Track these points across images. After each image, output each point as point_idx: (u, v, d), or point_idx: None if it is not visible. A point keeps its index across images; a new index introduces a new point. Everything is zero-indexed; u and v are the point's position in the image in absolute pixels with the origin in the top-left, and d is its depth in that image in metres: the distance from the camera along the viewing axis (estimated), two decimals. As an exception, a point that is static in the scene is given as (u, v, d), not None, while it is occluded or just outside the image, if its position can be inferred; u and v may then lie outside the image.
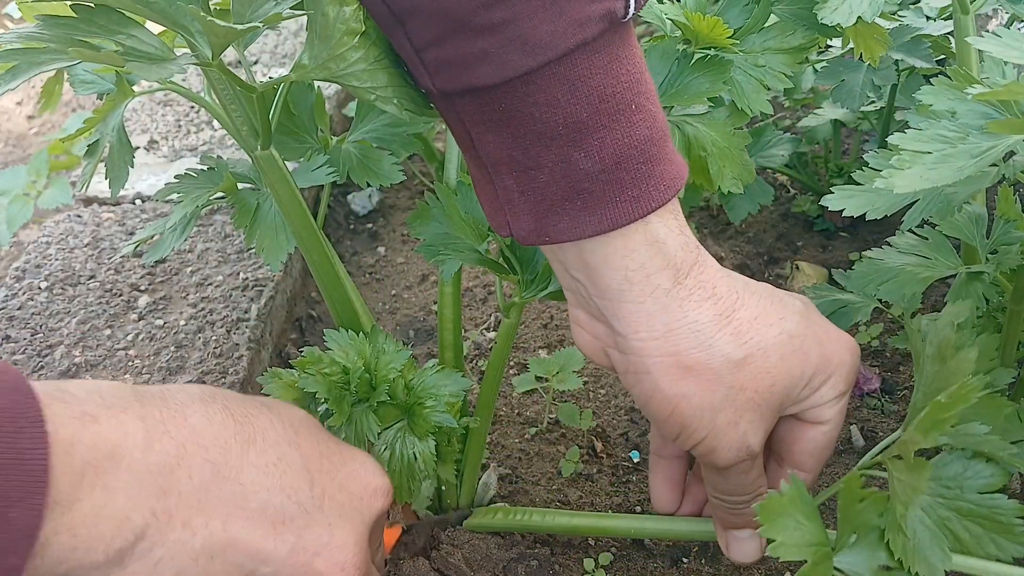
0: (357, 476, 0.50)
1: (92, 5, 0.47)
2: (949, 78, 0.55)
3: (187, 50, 0.52)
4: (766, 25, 0.66)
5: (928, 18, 0.88)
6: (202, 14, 0.43)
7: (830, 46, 1.00)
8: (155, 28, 0.52)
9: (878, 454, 0.52)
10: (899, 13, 0.88)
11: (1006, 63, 0.62)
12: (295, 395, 0.60)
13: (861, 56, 0.69)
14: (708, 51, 0.64)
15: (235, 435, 0.45)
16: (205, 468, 0.43)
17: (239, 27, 0.44)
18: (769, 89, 0.65)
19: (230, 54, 0.57)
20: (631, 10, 0.45)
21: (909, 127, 0.52)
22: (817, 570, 0.46)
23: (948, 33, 0.84)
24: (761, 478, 0.55)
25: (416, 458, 0.60)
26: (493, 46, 0.43)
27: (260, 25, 0.46)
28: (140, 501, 0.41)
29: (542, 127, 0.46)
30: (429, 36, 0.45)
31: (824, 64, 0.97)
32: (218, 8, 0.56)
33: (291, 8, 0.48)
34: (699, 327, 0.49)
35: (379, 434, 0.60)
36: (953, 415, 0.45)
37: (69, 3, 0.48)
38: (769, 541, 0.47)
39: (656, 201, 0.48)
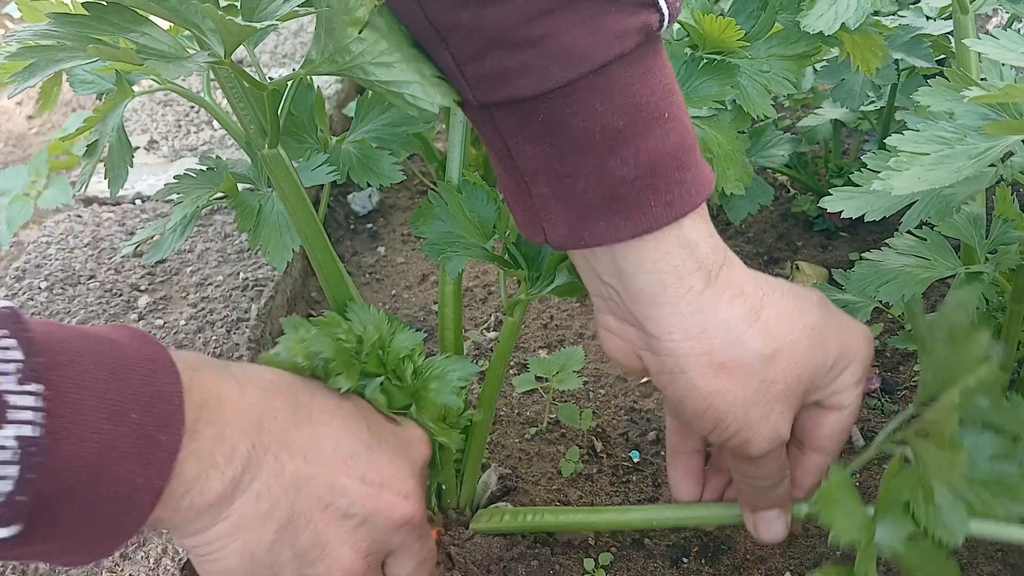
0: (403, 427, 0.57)
1: (104, 3, 0.47)
2: (947, 79, 0.55)
3: (196, 48, 0.52)
4: (771, 32, 0.67)
5: (928, 18, 0.88)
6: (218, 13, 0.43)
7: (830, 46, 1.00)
8: (163, 25, 0.52)
9: (896, 429, 0.54)
10: (899, 13, 0.88)
11: (1003, 64, 0.63)
12: (304, 352, 0.58)
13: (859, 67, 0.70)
14: (715, 56, 0.65)
15: (302, 388, 0.52)
16: (286, 411, 0.49)
17: (257, 25, 0.44)
18: (773, 95, 0.66)
19: (238, 52, 0.57)
20: (666, 23, 0.47)
21: (908, 128, 0.52)
22: (868, 550, 0.49)
23: (948, 33, 0.84)
24: (786, 461, 0.57)
25: (439, 447, 0.60)
26: (534, 59, 0.45)
27: (277, 23, 0.46)
28: (243, 435, 0.46)
29: (580, 136, 0.47)
30: (471, 51, 0.46)
31: (824, 64, 0.97)
32: (225, 6, 0.56)
33: (299, 7, 0.48)
34: (731, 325, 0.51)
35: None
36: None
37: (81, 1, 0.48)
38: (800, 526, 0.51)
39: (688, 205, 0.49)
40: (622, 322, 0.54)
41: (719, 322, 0.50)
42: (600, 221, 0.49)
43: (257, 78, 0.53)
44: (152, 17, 0.49)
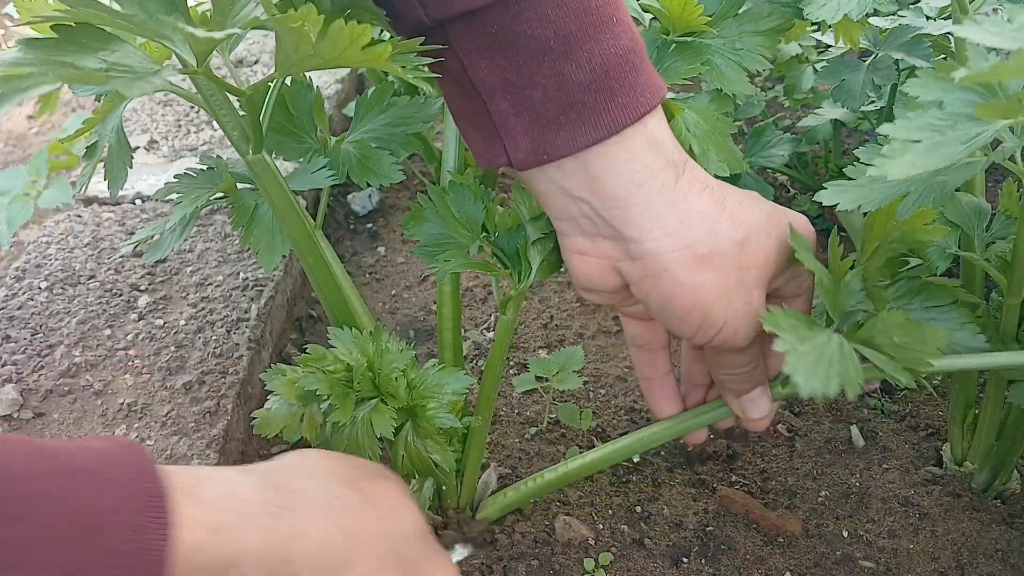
0: (393, 518, 0.51)
1: (73, 24, 0.47)
2: (935, 70, 0.56)
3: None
4: (741, 12, 0.68)
5: (928, 18, 0.88)
6: (180, 25, 0.43)
7: (829, 46, 1.00)
8: (142, 40, 0.53)
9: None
10: (899, 13, 0.88)
11: (990, 52, 0.63)
12: (297, 393, 0.59)
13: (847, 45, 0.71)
14: (686, 38, 0.67)
15: (345, 560, 0.46)
16: None
17: (217, 35, 0.44)
18: (749, 72, 0.68)
19: (219, 59, 0.57)
20: None
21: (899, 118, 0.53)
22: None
23: (948, 33, 0.84)
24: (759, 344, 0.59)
25: (435, 463, 0.60)
26: None
27: (240, 31, 0.46)
28: None
29: (534, 44, 0.48)
30: None
31: (824, 64, 0.97)
32: (202, 14, 0.56)
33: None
34: (704, 215, 0.52)
35: (395, 434, 0.60)
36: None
37: (50, 24, 0.48)
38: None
39: (645, 105, 0.50)
40: (595, 238, 0.55)
41: (693, 214, 0.52)
42: (561, 131, 0.50)
43: (235, 83, 0.53)
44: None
